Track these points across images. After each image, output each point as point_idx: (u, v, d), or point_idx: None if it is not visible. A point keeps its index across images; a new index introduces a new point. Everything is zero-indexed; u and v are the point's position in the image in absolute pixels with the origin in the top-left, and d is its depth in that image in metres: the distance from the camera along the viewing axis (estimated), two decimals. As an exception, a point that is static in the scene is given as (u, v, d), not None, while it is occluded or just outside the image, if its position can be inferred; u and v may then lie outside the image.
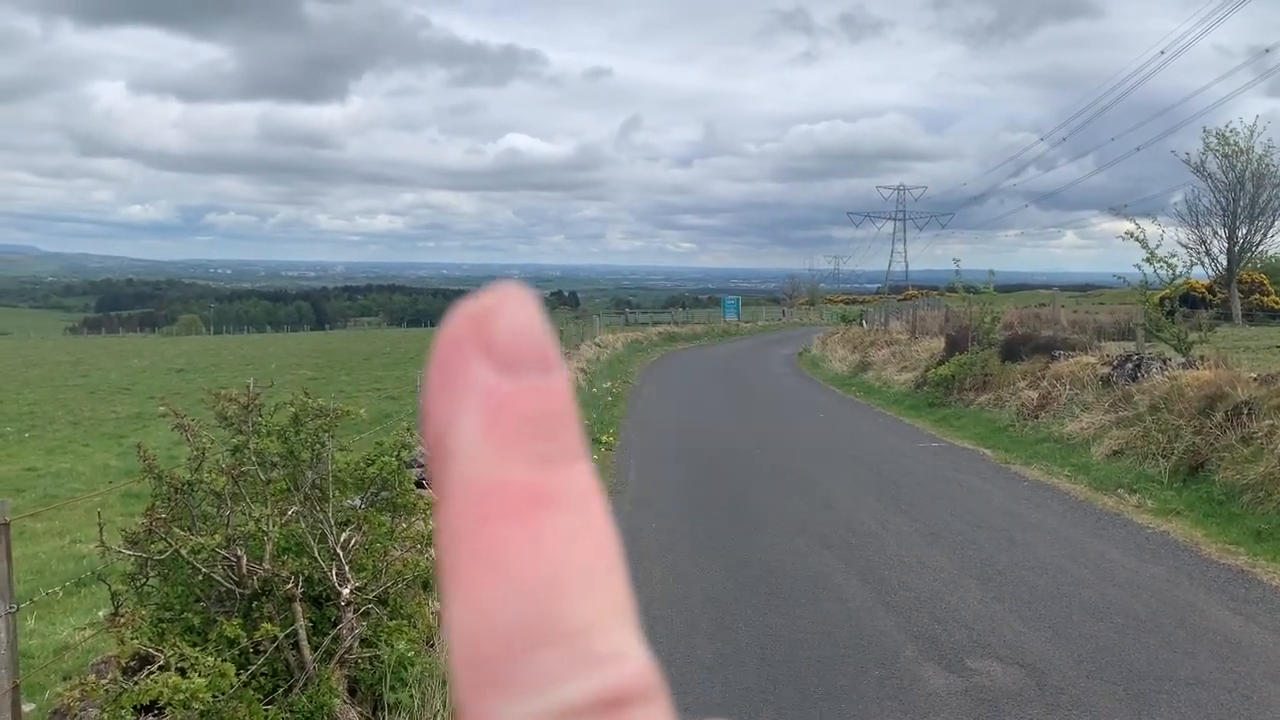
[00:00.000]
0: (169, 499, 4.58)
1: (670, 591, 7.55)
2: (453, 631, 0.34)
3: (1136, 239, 14.30)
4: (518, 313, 0.36)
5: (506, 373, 0.35)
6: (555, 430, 0.35)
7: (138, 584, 4.50)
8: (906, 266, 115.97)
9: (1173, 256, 14.44)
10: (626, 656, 0.34)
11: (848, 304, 66.58)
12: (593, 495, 0.36)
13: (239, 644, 4.27)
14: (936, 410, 17.95)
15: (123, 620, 4.09)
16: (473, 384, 0.35)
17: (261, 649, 4.34)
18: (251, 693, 4.14)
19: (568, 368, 0.37)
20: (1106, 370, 14.24)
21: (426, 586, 5.86)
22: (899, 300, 50.60)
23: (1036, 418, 14.61)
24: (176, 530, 4.39)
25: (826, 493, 11.07)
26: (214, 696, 3.62)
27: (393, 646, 4.90)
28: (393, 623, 5.13)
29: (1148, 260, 14.31)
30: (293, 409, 5.45)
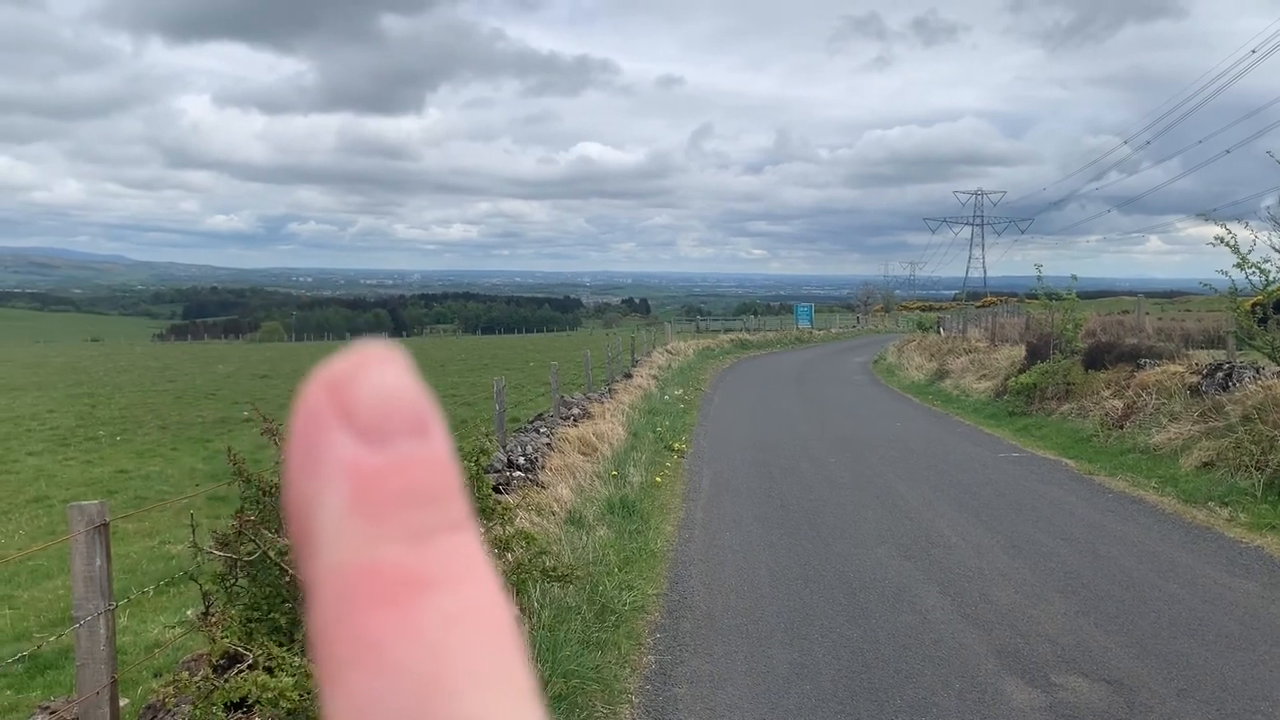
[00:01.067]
0: (258, 502, 4.70)
1: (745, 601, 7.52)
2: None
3: (1226, 244, 13.84)
4: (382, 375, 0.33)
5: (371, 443, 0.32)
6: (431, 501, 0.32)
7: (227, 584, 4.62)
8: (985, 272, 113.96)
9: (1265, 262, 13.92)
10: None
11: (924, 311, 65.64)
12: (477, 568, 0.33)
13: (324, 644, 4.36)
14: (1017, 419, 17.59)
15: (214, 620, 4.21)
16: (334, 459, 0.32)
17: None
18: (336, 692, 4.22)
19: (444, 432, 0.34)
20: (1195, 379, 13.80)
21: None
22: (977, 307, 49.73)
23: (1121, 428, 14.23)
24: (264, 532, 4.50)
25: (905, 502, 10.92)
26: (300, 695, 3.70)
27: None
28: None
29: (1238, 266, 13.83)
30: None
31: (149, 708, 4.98)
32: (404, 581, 0.31)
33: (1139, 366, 15.70)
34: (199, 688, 3.86)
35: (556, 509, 9.42)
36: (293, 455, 0.33)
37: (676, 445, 14.82)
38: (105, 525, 3.94)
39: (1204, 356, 15.66)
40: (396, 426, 0.32)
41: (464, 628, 0.31)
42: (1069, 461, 13.47)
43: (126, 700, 5.30)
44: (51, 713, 4.83)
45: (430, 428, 0.33)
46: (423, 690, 0.30)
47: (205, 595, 4.58)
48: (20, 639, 7.56)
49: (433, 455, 0.33)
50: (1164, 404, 13.78)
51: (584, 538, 8.61)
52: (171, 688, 3.90)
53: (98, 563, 3.91)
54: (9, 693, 6.49)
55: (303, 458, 0.33)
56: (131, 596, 6.64)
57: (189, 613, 7.46)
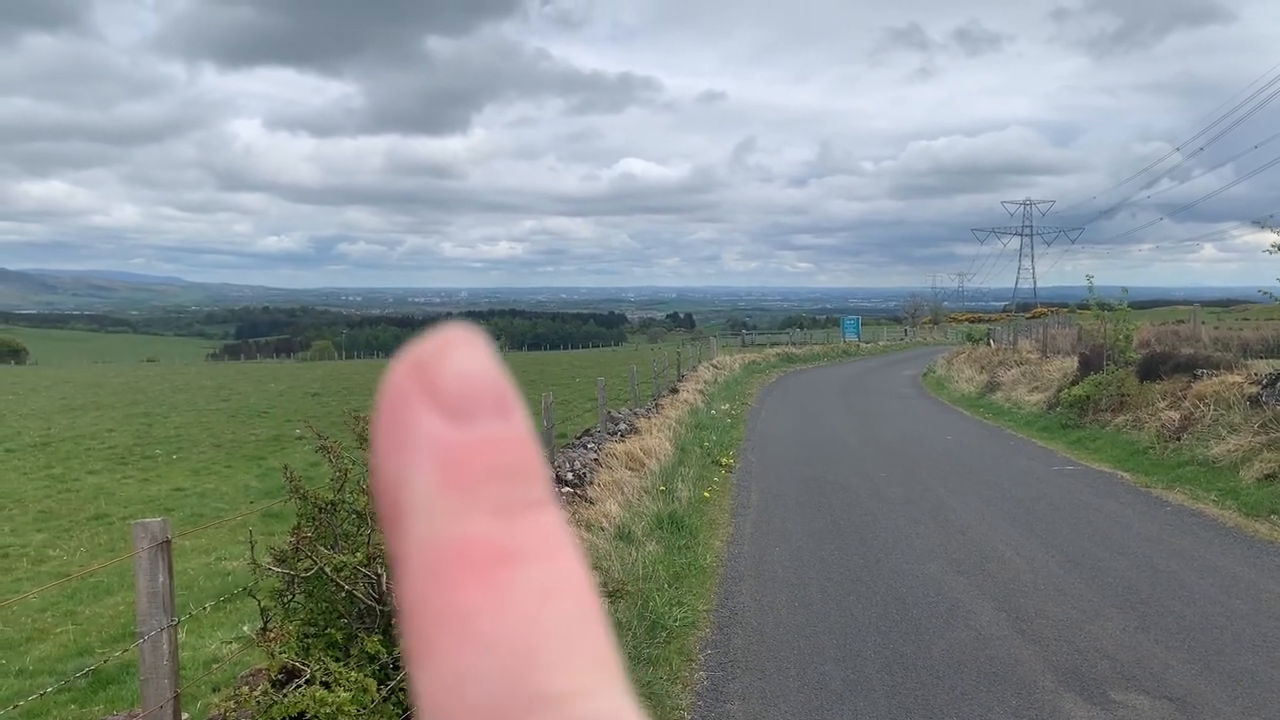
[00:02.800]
0: (314, 518, 4.77)
1: (796, 617, 7.47)
2: (422, 705, 0.31)
3: (1285, 250, 13.56)
4: (465, 356, 0.34)
5: (458, 421, 0.33)
6: (516, 478, 0.33)
7: (285, 600, 4.69)
8: (1035, 283, 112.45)
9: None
10: (617, 716, 0.31)
11: (973, 322, 64.91)
12: (564, 544, 0.33)
13: (379, 660, 4.41)
14: (1070, 432, 17.32)
15: (272, 635, 4.27)
16: (423, 437, 0.33)
17: (401, 665, 4.47)
18: (392, 707, 4.27)
19: (524, 413, 0.35)
20: (1255, 389, 13.51)
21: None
22: (1027, 318, 49.09)
23: (1178, 439, 13.95)
24: (320, 548, 4.57)
25: (957, 517, 10.79)
26: (358, 710, 3.74)
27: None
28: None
29: (1298, 272, 13.55)
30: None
31: (209, 722, 5.07)
32: (494, 554, 0.32)
33: (1195, 377, 15.38)
34: (258, 702, 3.92)
35: (606, 524, 9.44)
36: (380, 433, 0.34)
37: (724, 460, 14.78)
38: (168, 542, 4.03)
39: (1263, 366, 15.30)
40: (480, 406, 0.33)
41: (554, 601, 0.32)
42: (1125, 474, 13.24)
43: (187, 715, 5.39)
44: (115, 726, 4.92)
45: (511, 408, 0.34)
46: (514, 661, 0.31)
47: (263, 611, 4.65)
48: (83, 654, 7.72)
49: (515, 434, 0.34)
50: (1223, 415, 13.49)
51: (633, 553, 8.62)
52: (232, 702, 3.96)
53: (160, 579, 3.99)
54: (73, 707, 6.62)
55: (391, 435, 0.33)
56: (191, 612, 6.76)
57: (245, 628, 7.58)
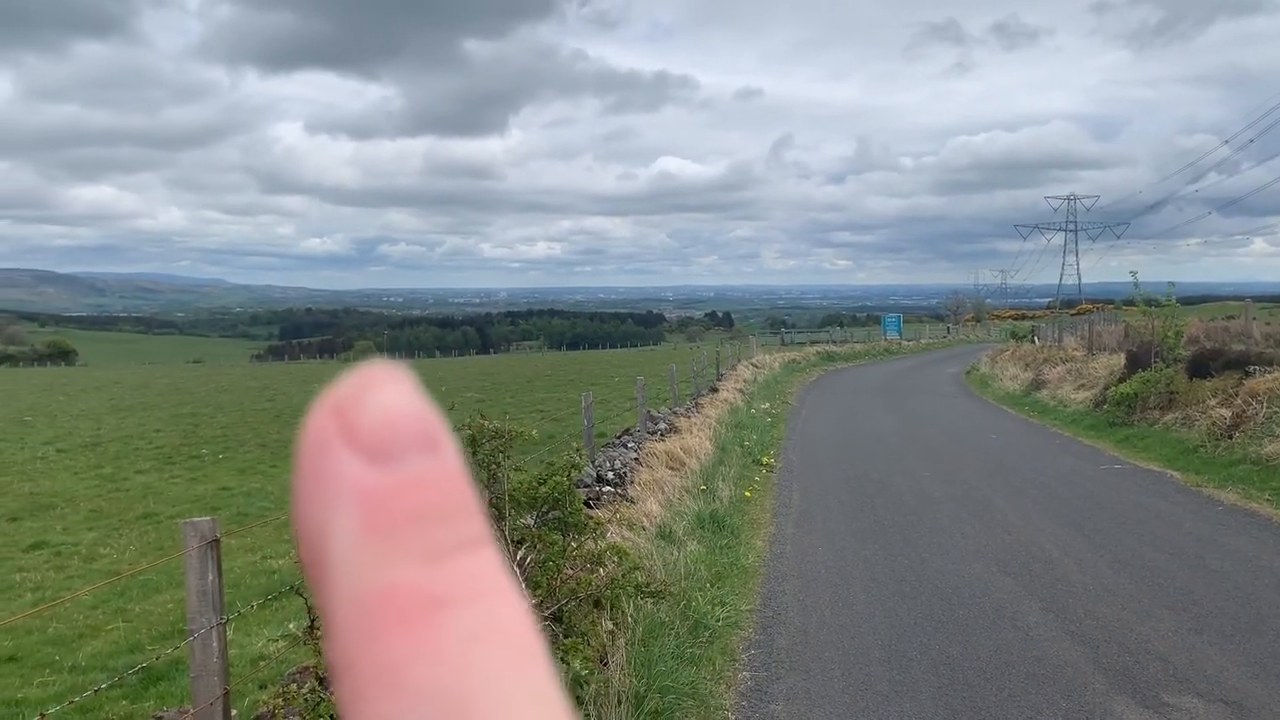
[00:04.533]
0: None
1: (841, 617, 7.41)
2: None
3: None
4: (387, 394, 0.32)
5: (380, 463, 0.31)
6: (445, 519, 0.32)
7: (331, 598, 4.71)
8: (1079, 279, 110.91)
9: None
10: None
11: (1016, 319, 64.15)
12: (499, 585, 0.32)
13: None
14: (1118, 430, 17.04)
15: (319, 633, 4.30)
16: (343, 483, 0.31)
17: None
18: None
19: (455, 448, 0.33)
20: (1310, 386, 13.20)
21: (598, 605, 5.93)
22: (1072, 315, 48.43)
23: (1230, 438, 13.67)
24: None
25: (1003, 516, 10.65)
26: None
27: (568, 664, 4.98)
28: (567, 640, 5.21)
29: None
30: (469, 431, 5.63)
31: (258, 718, 5.12)
32: (423, 601, 0.30)
33: (1248, 374, 15.07)
34: (306, 700, 3.95)
35: (646, 524, 9.43)
36: (300, 482, 0.32)
37: (765, 459, 14.72)
38: (217, 541, 4.07)
39: (1318, 362, 14.95)
40: (404, 445, 0.32)
41: (487, 646, 0.30)
42: (1174, 473, 13.00)
43: (235, 712, 5.45)
44: (166, 723, 4.99)
45: (440, 444, 0.32)
46: (446, 712, 0.30)
47: (310, 609, 4.68)
48: (134, 650, 7.84)
49: (444, 472, 0.32)
50: (1277, 413, 13.21)
51: (675, 553, 8.60)
52: (280, 699, 4.00)
53: (210, 577, 4.04)
54: (124, 703, 6.73)
55: (310, 484, 0.32)
56: (239, 610, 6.83)
57: (291, 626, 7.65)
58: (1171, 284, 18.97)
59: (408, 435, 0.32)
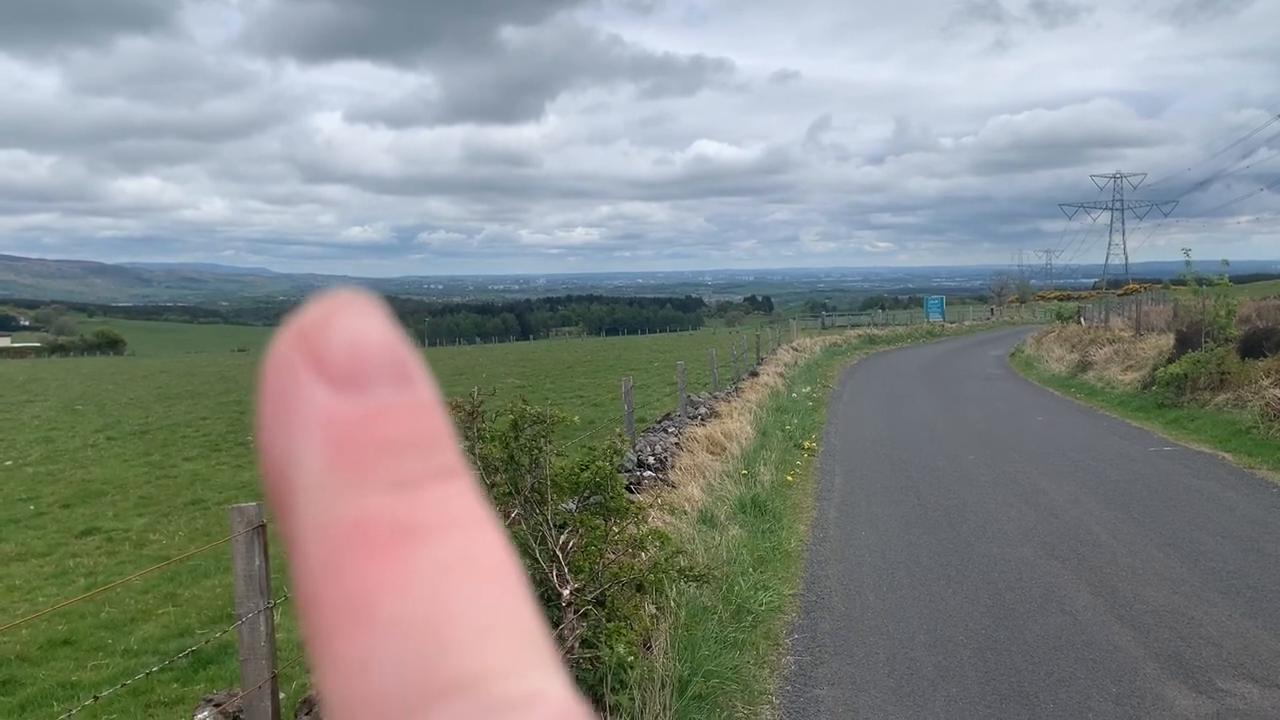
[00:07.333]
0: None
1: (885, 602, 7.35)
2: (328, 700, 0.29)
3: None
4: (355, 321, 0.31)
5: (348, 392, 0.30)
6: (417, 448, 0.30)
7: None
8: (1126, 259, 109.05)
9: None
10: (540, 697, 0.29)
11: (1062, 300, 63.23)
12: (474, 514, 0.30)
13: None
14: (1167, 411, 16.75)
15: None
16: (310, 412, 0.30)
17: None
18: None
19: (427, 379, 0.32)
20: (1367, 365, 12.88)
21: (640, 589, 5.92)
22: (1119, 295, 47.65)
23: (1284, 419, 13.38)
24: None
25: (1050, 500, 10.51)
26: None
27: (612, 648, 4.98)
28: (611, 624, 5.21)
29: None
30: (511, 416, 5.64)
31: (304, 702, 5.17)
32: (393, 532, 0.29)
33: (1302, 353, 14.74)
34: (352, 683, 3.98)
35: (688, 508, 9.41)
36: (264, 411, 0.31)
37: (806, 444, 14.63)
38: (263, 526, 4.11)
39: (1376, 341, 14.59)
40: (374, 373, 0.31)
41: (461, 575, 0.29)
42: (1226, 455, 12.75)
43: (283, 695, 5.51)
44: (216, 705, 5.06)
45: (410, 373, 0.31)
46: (421, 642, 0.28)
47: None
48: (184, 634, 7.97)
49: (415, 401, 0.31)
50: (1332, 393, 12.90)
51: (717, 537, 8.57)
52: (327, 683, 4.02)
53: (257, 562, 4.08)
54: (175, 685, 6.84)
55: (275, 413, 0.31)
56: (287, 595, 6.92)
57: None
58: (1225, 261, 18.54)
59: (377, 363, 0.31)
